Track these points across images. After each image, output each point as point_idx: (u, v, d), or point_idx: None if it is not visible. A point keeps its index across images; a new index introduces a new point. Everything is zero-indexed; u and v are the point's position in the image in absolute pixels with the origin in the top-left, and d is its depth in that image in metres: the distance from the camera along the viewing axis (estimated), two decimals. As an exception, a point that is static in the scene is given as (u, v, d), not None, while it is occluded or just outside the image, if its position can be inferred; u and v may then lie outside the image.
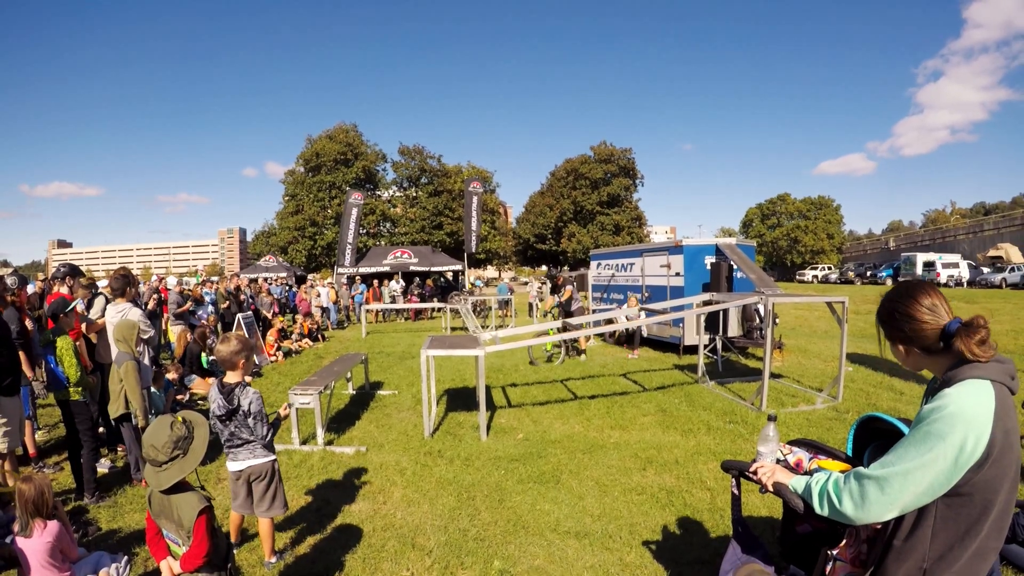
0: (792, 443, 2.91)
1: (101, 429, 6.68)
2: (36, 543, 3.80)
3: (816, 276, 56.72)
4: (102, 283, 9.61)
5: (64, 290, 7.71)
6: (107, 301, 7.19)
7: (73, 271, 7.71)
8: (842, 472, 2.22)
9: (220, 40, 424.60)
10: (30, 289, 8.23)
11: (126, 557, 4.26)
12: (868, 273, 48.99)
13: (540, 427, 7.79)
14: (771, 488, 2.49)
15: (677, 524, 4.86)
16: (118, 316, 6.54)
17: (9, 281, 6.44)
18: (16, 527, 3.88)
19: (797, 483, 2.35)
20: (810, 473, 2.49)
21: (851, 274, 51.30)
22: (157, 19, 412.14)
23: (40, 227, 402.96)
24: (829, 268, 59.37)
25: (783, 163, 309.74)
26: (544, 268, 67.46)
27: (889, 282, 42.77)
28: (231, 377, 4.11)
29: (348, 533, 4.91)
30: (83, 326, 6.79)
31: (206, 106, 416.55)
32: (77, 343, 6.33)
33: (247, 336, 11.63)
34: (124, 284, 6.91)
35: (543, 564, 4.32)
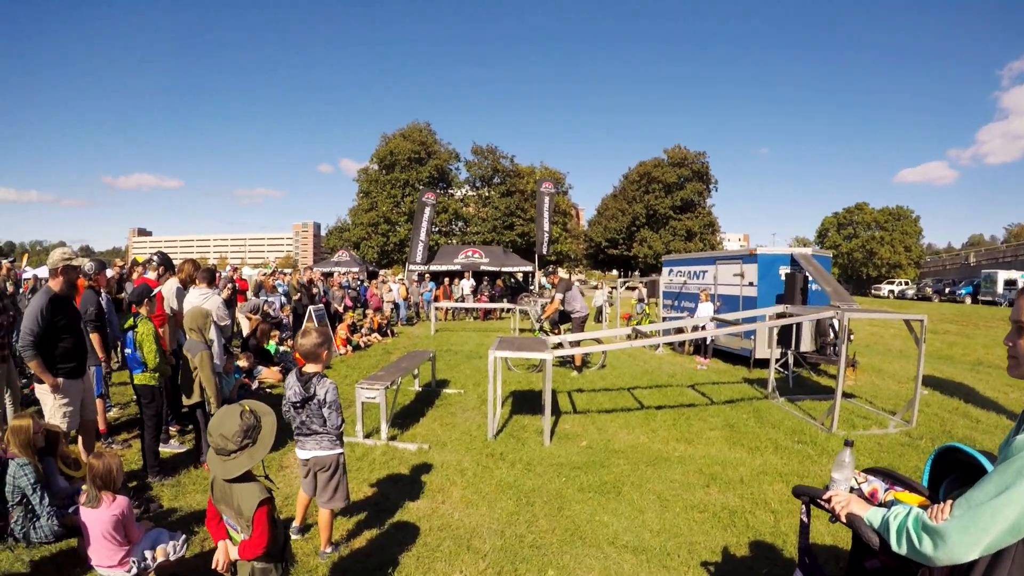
0: (868, 471, 2.74)
1: (184, 409, 6.85)
2: (103, 514, 3.90)
3: (892, 291, 54.70)
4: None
5: (151, 275, 7.97)
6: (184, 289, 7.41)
7: (166, 262, 7.96)
8: (921, 507, 2.07)
9: (296, 37, 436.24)
10: (108, 273, 8.53)
11: (184, 536, 4.33)
12: (946, 290, 46.93)
13: (604, 435, 7.64)
14: (844, 519, 2.35)
15: (738, 546, 4.67)
16: (200, 299, 6.71)
17: (87, 267, 6.68)
18: (83, 498, 3.99)
19: (873, 516, 2.20)
20: (886, 505, 2.36)
21: (929, 290, 49.19)
22: (234, 19, 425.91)
23: (121, 215, 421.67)
24: (906, 283, 57.06)
25: (861, 170, 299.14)
26: (615, 273, 66.98)
27: (968, 300, 41.18)
28: (309, 367, 4.19)
29: (404, 530, 4.89)
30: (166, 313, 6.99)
31: (284, 102, 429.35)
32: (161, 330, 6.52)
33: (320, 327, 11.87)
34: (211, 276, 7.14)
35: (597, 577, 4.20)
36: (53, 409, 5.44)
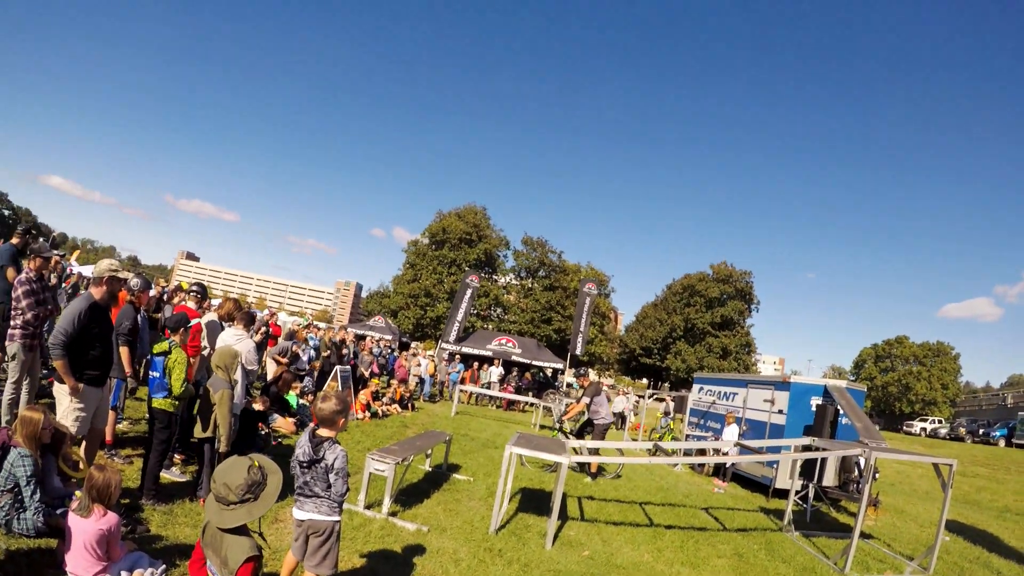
0: None
1: (192, 440, 6.86)
2: (90, 525, 3.90)
3: (924, 429, 53.23)
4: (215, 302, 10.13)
5: (192, 306, 8.13)
6: (220, 325, 7.54)
7: (203, 293, 8.13)
8: None
9: (365, 101, 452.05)
10: (150, 292, 8.78)
11: (164, 566, 4.28)
12: (980, 431, 45.29)
13: (608, 548, 7.39)
14: None
15: None
16: (233, 339, 6.81)
17: (133, 283, 6.84)
18: (74, 505, 3.97)
19: None
20: None
21: (962, 430, 47.76)
22: (321, 77, 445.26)
23: (174, 236, 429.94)
24: (939, 421, 55.50)
25: (904, 302, 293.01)
26: (645, 382, 66.32)
27: (1002, 443, 39.66)
28: (323, 432, 4.18)
29: (389, 612, 4.73)
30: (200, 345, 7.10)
31: (352, 161, 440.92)
32: (192, 359, 6.62)
33: (341, 391, 11.88)
34: (250, 319, 7.27)
35: None
36: (67, 411, 5.50)
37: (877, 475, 10.50)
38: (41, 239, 7.85)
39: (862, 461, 10.07)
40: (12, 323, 6.49)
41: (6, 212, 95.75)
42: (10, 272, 7.63)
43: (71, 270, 22.25)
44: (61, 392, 5.52)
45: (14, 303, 6.51)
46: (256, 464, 2.81)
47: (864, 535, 9.05)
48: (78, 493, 4.18)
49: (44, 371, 7.86)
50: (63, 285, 16.10)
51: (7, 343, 6.46)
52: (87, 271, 24.50)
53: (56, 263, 13.32)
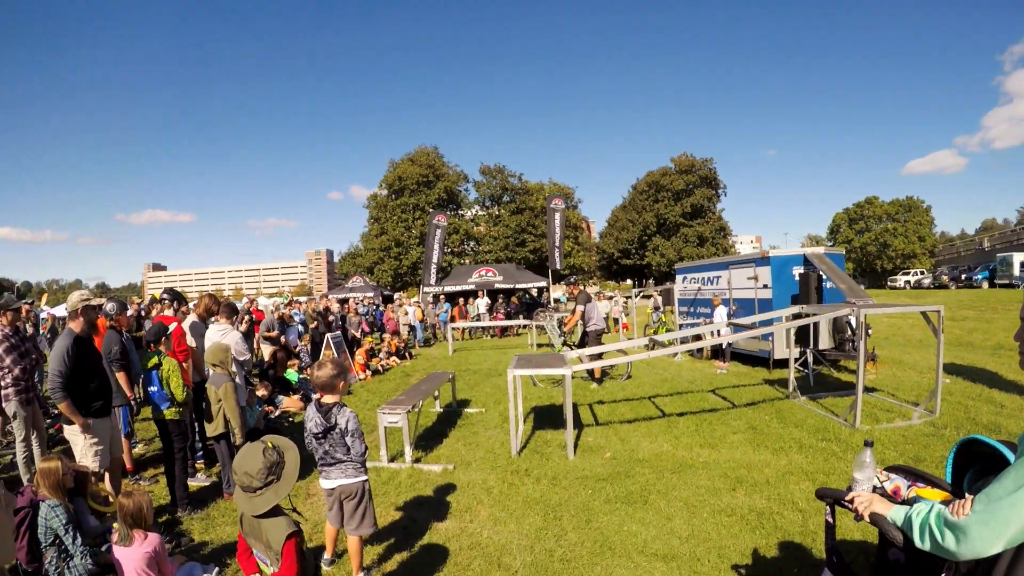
0: (889, 469, 2.73)
1: (209, 443, 6.89)
2: (135, 552, 3.95)
3: (908, 282, 53.89)
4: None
5: (168, 313, 8.06)
6: (202, 323, 7.51)
7: (176, 297, 8.04)
8: (943, 503, 2.09)
9: (299, 66, 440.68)
10: (128, 313, 8.68)
11: (217, 568, 4.39)
12: (963, 276, 46.14)
13: (628, 445, 7.62)
14: (868, 519, 2.36)
15: (767, 547, 4.64)
16: (218, 335, 6.79)
17: (108, 307, 6.79)
18: (115, 537, 4.03)
19: (896, 514, 2.22)
20: (908, 502, 2.36)
21: (945, 278, 48.29)
22: (237, 50, 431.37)
23: (136, 252, 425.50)
24: (921, 273, 56.17)
25: (869, 164, 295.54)
26: (629, 283, 66.90)
27: (985, 285, 40.54)
28: (328, 398, 4.21)
29: (434, 551, 4.89)
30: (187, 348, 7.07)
31: (292, 132, 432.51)
32: (185, 364, 6.61)
33: (337, 356, 11.93)
34: (232, 309, 7.24)
35: (629, 587, 4.19)
36: (84, 449, 5.51)
37: (870, 331, 10.75)
38: (5, 293, 7.66)
39: (853, 320, 10.29)
40: (2, 384, 6.34)
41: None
42: None
43: (45, 315, 21.98)
44: (73, 433, 5.52)
45: None
46: (270, 445, 2.84)
47: (867, 389, 9.32)
48: (116, 525, 4.23)
49: (47, 420, 7.81)
50: (40, 332, 15.87)
51: (4, 405, 6.35)
52: (60, 311, 24.18)
53: (27, 312, 13.08)
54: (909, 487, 2.54)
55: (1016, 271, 37.57)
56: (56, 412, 9.31)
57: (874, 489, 2.59)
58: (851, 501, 2.51)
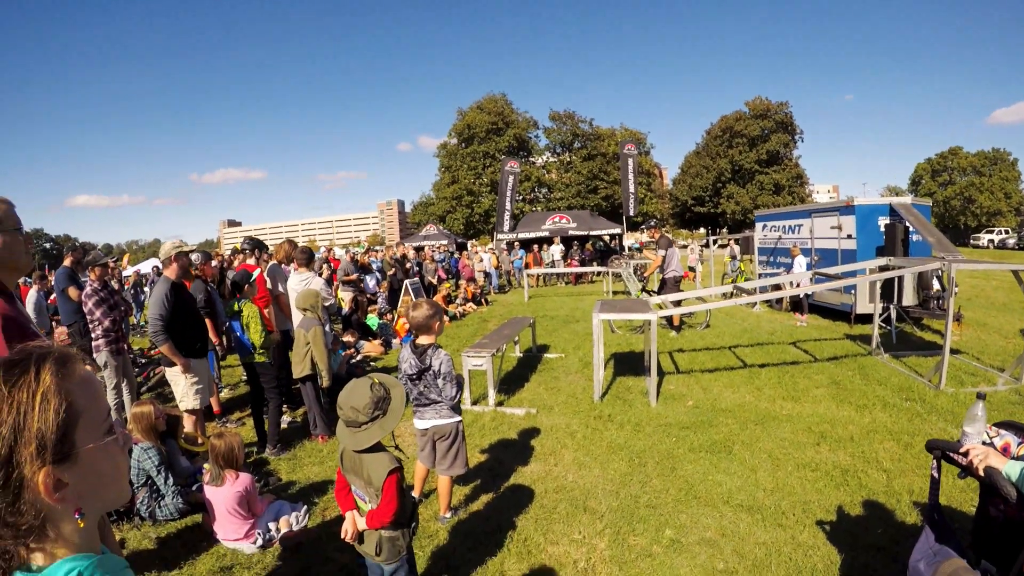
0: (999, 425, 2.58)
1: (296, 387, 7.05)
2: (227, 491, 4.07)
3: (992, 241, 50.68)
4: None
5: (251, 261, 8.24)
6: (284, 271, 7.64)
7: (257, 245, 8.20)
8: None
9: (364, 21, 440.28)
10: (212, 264, 8.92)
11: (304, 507, 4.50)
12: None
13: (710, 395, 7.50)
14: (982, 472, 2.26)
15: (851, 505, 4.52)
16: (302, 284, 6.90)
17: (194, 258, 6.98)
18: (207, 477, 4.17)
19: (1011, 469, 2.13)
20: (1021, 459, 2.26)
21: None
22: (299, 4, 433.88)
23: (211, 210, 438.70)
24: (1007, 232, 52.67)
25: (953, 113, 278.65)
26: (703, 231, 65.65)
27: None
28: (423, 339, 4.22)
29: (520, 493, 4.93)
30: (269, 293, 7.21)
31: (358, 84, 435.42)
32: (267, 310, 6.75)
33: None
34: (309, 256, 7.33)
35: (714, 536, 4.14)
36: (185, 389, 5.73)
37: (957, 289, 10.19)
38: (93, 250, 7.97)
39: (940, 276, 9.80)
40: (93, 335, 6.68)
41: (47, 245, 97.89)
42: (72, 291, 7.84)
43: (130, 272, 22.95)
44: (174, 374, 5.73)
45: (88, 316, 6.72)
46: (377, 381, 2.84)
47: (952, 350, 8.87)
48: (207, 466, 4.37)
49: (136, 368, 8.13)
50: (124, 287, 16.53)
51: (95, 355, 6.64)
52: (143, 268, 25.19)
53: (112, 269, 13.62)
54: (1020, 444, 2.43)
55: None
56: (144, 361, 9.74)
57: (983, 444, 2.46)
58: (964, 454, 2.41)
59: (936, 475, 2.72)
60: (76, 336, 7.79)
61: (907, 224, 10.79)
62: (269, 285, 7.37)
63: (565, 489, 4.97)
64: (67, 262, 8.12)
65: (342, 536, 2.94)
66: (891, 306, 10.45)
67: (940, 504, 2.77)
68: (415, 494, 4.66)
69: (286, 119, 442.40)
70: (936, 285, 10.28)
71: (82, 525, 0.98)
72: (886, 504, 4.49)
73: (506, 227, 30.33)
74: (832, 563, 3.78)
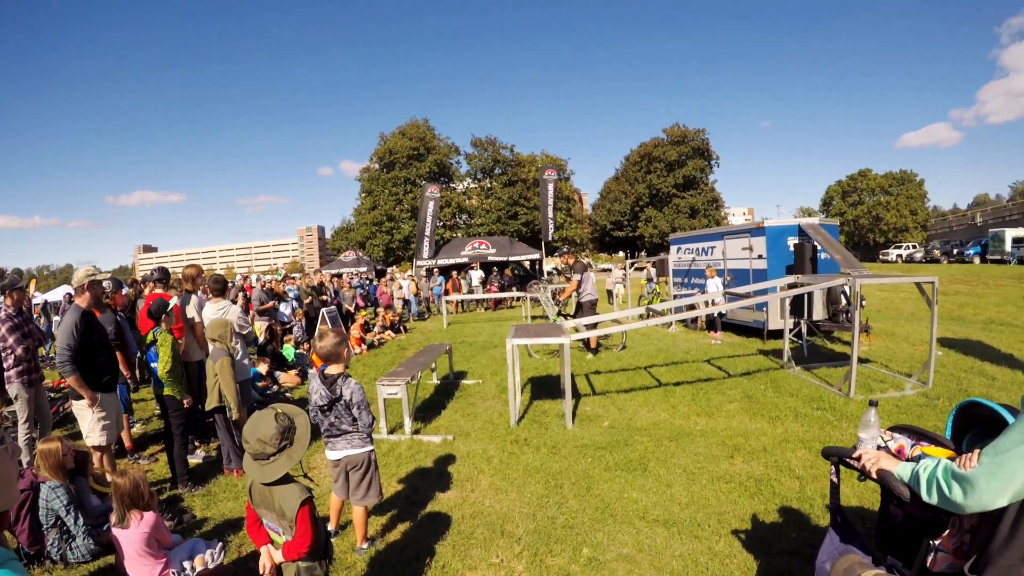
0: (893, 429, 2.79)
1: (209, 420, 6.83)
2: (132, 533, 3.95)
3: (900, 255, 53.96)
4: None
5: (159, 290, 8.01)
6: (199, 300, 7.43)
7: (164, 275, 7.99)
8: (949, 459, 2.13)
9: (286, 43, 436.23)
10: (123, 292, 8.59)
11: (220, 543, 4.40)
12: (955, 251, 45.97)
13: (625, 415, 7.68)
14: (875, 475, 2.43)
15: (766, 513, 4.73)
16: (218, 313, 6.77)
17: (105, 285, 6.72)
18: (114, 518, 4.04)
19: (903, 470, 2.29)
20: (913, 460, 2.40)
21: (937, 252, 48.39)
22: (222, 30, 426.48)
23: (126, 234, 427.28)
24: (913, 247, 56.32)
25: (863, 137, 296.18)
26: (621, 255, 66.86)
27: (977, 260, 40.49)
28: (332, 369, 4.21)
29: (437, 520, 4.94)
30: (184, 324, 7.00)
31: (280, 108, 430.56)
32: (180, 340, 6.55)
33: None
34: (222, 285, 7.18)
35: (632, 552, 4.25)
36: (92, 424, 5.52)
37: (864, 303, 10.75)
38: (9, 273, 7.53)
39: (848, 291, 10.32)
40: (4, 365, 6.22)
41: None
42: None
43: (38, 299, 22.00)
44: (81, 408, 5.52)
45: (0, 343, 6.22)
46: (280, 411, 2.84)
47: (861, 360, 9.35)
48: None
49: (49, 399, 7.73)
50: (33, 316, 15.78)
51: (6, 386, 6.21)
52: (52, 296, 24.08)
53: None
54: (913, 445, 2.59)
55: (1008, 247, 37.45)
56: (52, 395, 9.29)
57: (878, 448, 2.64)
58: (858, 459, 2.56)
59: (835, 480, 2.89)
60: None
61: (815, 243, 11.30)
62: (188, 315, 7.18)
63: (482, 514, 5.00)
64: None
65: (260, 572, 2.92)
66: (801, 321, 10.94)
67: (842, 506, 2.94)
68: (331, 526, 4.63)
69: (207, 140, 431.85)
70: (844, 300, 10.81)
71: None
72: (800, 510, 4.71)
73: (425, 254, 30.27)
74: (748, 570, 3.95)
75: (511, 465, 6.08)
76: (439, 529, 4.76)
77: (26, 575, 1.02)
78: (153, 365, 5.89)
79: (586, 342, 11.98)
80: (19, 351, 6.19)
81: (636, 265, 25.15)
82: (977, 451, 2.00)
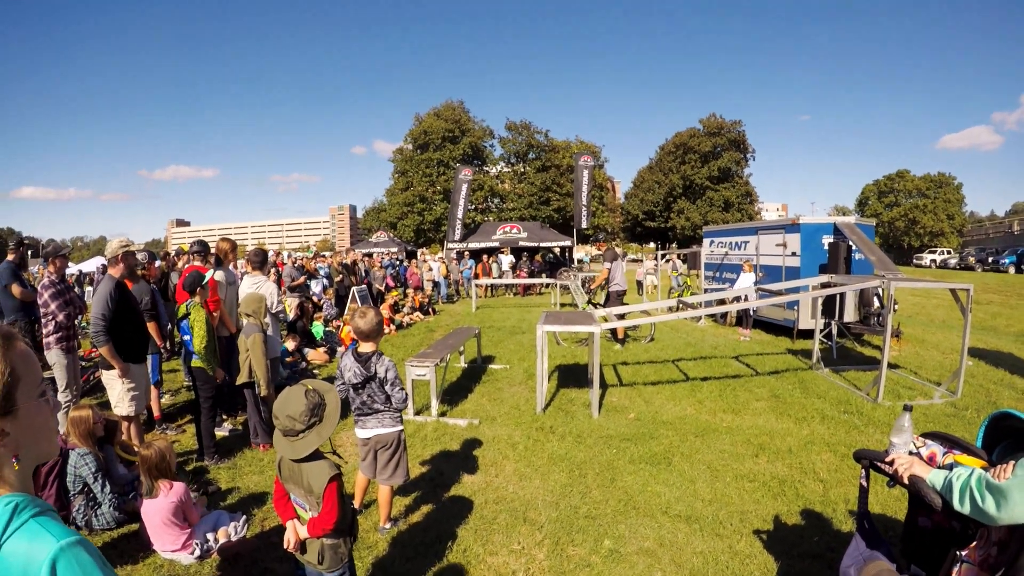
0: (926, 435, 2.72)
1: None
2: (161, 503, 4.00)
3: (934, 260, 52.80)
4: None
5: (198, 263, 8.09)
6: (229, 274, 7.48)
7: (203, 247, 8.05)
8: (982, 468, 2.09)
9: (325, 21, 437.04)
10: (156, 264, 8.67)
11: (244, 516, 4.43)
12: (989, 259, 44.84)
13: (652, 407, 7.64)
14: (907, 481, 2.38)
15: (789, 515, 4.68)
16: (253, 287, 6.81)
17: (139, 258, 6.79)
18: (142, 488, 4.09)
19: (935, 477, 2.24)
20: (946, 468, 2.36)
21: (971, 259, 47.36)
22: (262, 6, 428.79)
23: (159, 208, 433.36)
24: (948, 252, 55.10)
25: (902, 137, 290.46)
26: (652, 245, 66.39)
27: (1012, 270, 39.49)
28: (366, 347, 4.22)
29: (460, 504, 4.96)
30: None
31: (316, 87, 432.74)
32: (216, 313, 6.60)
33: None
34: (262, 258, 7.22)
35: (653, 546, 4.24)
36: (121, 394, 5.59)
37: (897, 306, 10.55)
38: (52, 240, 7.63)
39: (881, 293, 10.14)
40: (45, 331, 6.31)
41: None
42: (15, 289, 7.51)
43: (73, 269, 22.45)
44: (110, 377, 5.59)
45: (42, 309, 6.29)
46: (310, 387, 2.84)
47: (891, 365, 9.20)
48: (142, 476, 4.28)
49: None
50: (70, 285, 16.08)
51: (45, 353, 6.28)
52: (86, 266, 24.50)
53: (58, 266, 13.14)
54: (945, 453, 2.54)
55: (1045, 258, 36.53)
56: (84, 364, 9.43)
57: (910, 454, 2.59)
58: (890, 463, 2.52)
59: (865, 484, 2.84)
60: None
61: (850, 243, 11.13)
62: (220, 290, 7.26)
63: (505, 500, 5.01)
64: (10, 257, 7.84)
65: (284, 546, 2.94)
66: (832, 322, 10.78)
67: (870, 512, 2.89)
68: (356, 504, 4.65)
69: (241, 116, 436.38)
70: (876, 302, 10.65)
71: (16, 468, 1.17)
72: (822, 513, 4.65)
73: (457, 236, 30.32)
74: (769, 571, 3.91)
75: (536, 452, 6.09)
76: (462, 513, 4.77)
77: (64, 526, 1.07)
78: (186, 338, 5.94)
79: (614, 332, 11.95)
80: (60, 317, 6.24)
81: (666, 257, 24.99)
82: (1012, 463, 1.96)
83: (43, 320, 6.34)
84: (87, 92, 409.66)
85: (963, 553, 2.29)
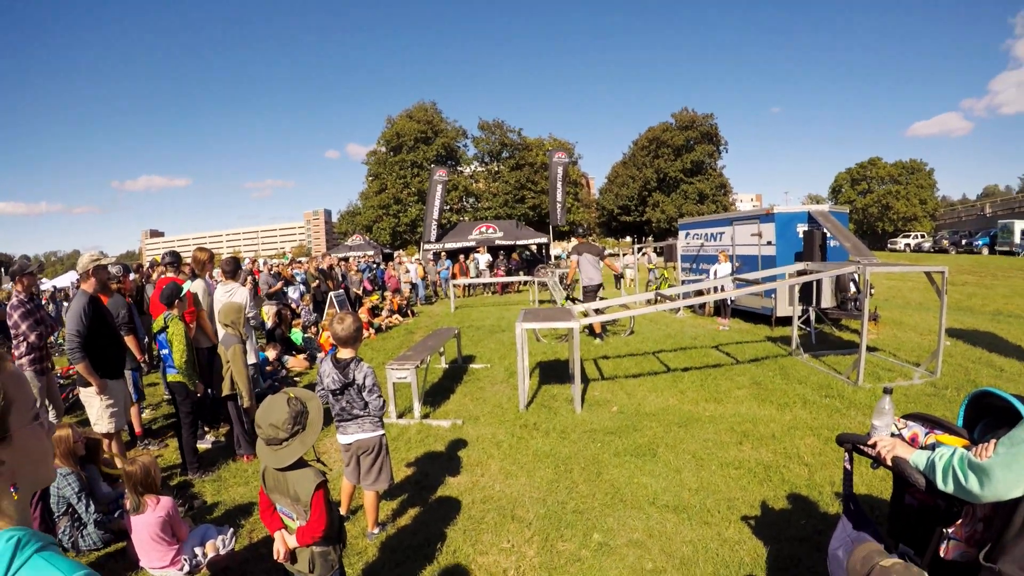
0: (907, 417, 2.77)
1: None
2: (149, 518, 3.95)
3: (908, 245, 53.93)
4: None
5: (171, 274, 8.00)
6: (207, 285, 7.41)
7: (176, 259, 7.97)
8: (964, 447, 2.13)
9: (293, 25, 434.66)
10: (131, 277, 8.55)
11: (231, 529, 4.39)
12: (963, 241, 45.95)
13: (634, 400, 7.67)
14: (890, 462, 2.42)
15: (775, 500, 4.73)
16: (226, 296, 6.74)
17: (113, 270, 6.71)
18: (128, 504, 4.04)
19: (918, 458, 2.27)
20: (928, 448, 2.40)
21: (945, 242, 48.37)
22: (229, 9, 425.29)
23: (133, 219, 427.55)
24: (922, 236, 56.22)
25: (873, 125, 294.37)
26: (628, 240, 66.65)
27: (985, 251, 40.33)
28: (344, 353, 4.19)
29: (448, 505, 4.95)
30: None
31: (286, 91, 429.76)
32: (192, 325, 6.52)
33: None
34: (235, 267, 7.15)
35: (642, 538, 4.26)
36: (100, 412, 5.52)
37: (873, 290, 10.67)
38: (19, 258, 7.46)
39: (857, 278, 10.25)
40: (16, 352, 6.06)
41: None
42: None
43: (47, 286, 22.14)
44: (88, 395, 5.51)
45: (13, 330, 6.07)
46: (292, 395, 2.83)
47: (870, 348, 9.31)
48: (127, 493, 4.23)
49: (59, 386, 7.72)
50: (42, 303, 15.85)
51: None
52: (60, 282, 24.16)
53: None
54: (927, 433, 2.58)
55: (1017, 238, 37.33)
56: (63, 381, 9.27)
57: (892, 436, 2.63)
58: (873, 446, 2.56)
59: (848, 467, 2.88)
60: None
61: (825, 230, 11.26)
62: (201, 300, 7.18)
63: (492, 499, 5.01)
64: None
65: (274, 557, 2.92)
66: (810, 308, 10.90)
67: (855, 494, 2.93)
68: (342, 511, 4.63)
69: (213, 123, 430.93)
70: (853, 287, 10.77)
71: (15, 497, 1.12)
72: (809, 497, 4.70)
73: (433, 237, 30.25)
74: (759, 556, 3.95)
75: (521, 450, 6.09)
76: (450, 514, 4.77)
77: (69, 560, 1.04)
78: (165, 352, 5.86)
79: (591, 328, 11.98)
80: (32, 338, 6.05)
81: (642, 251, 25.07)
82: (993, 441, 2.00)
83: (14, 342, 6.12)
84: (57, 104, 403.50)
85: (950, 530, 2.33)
